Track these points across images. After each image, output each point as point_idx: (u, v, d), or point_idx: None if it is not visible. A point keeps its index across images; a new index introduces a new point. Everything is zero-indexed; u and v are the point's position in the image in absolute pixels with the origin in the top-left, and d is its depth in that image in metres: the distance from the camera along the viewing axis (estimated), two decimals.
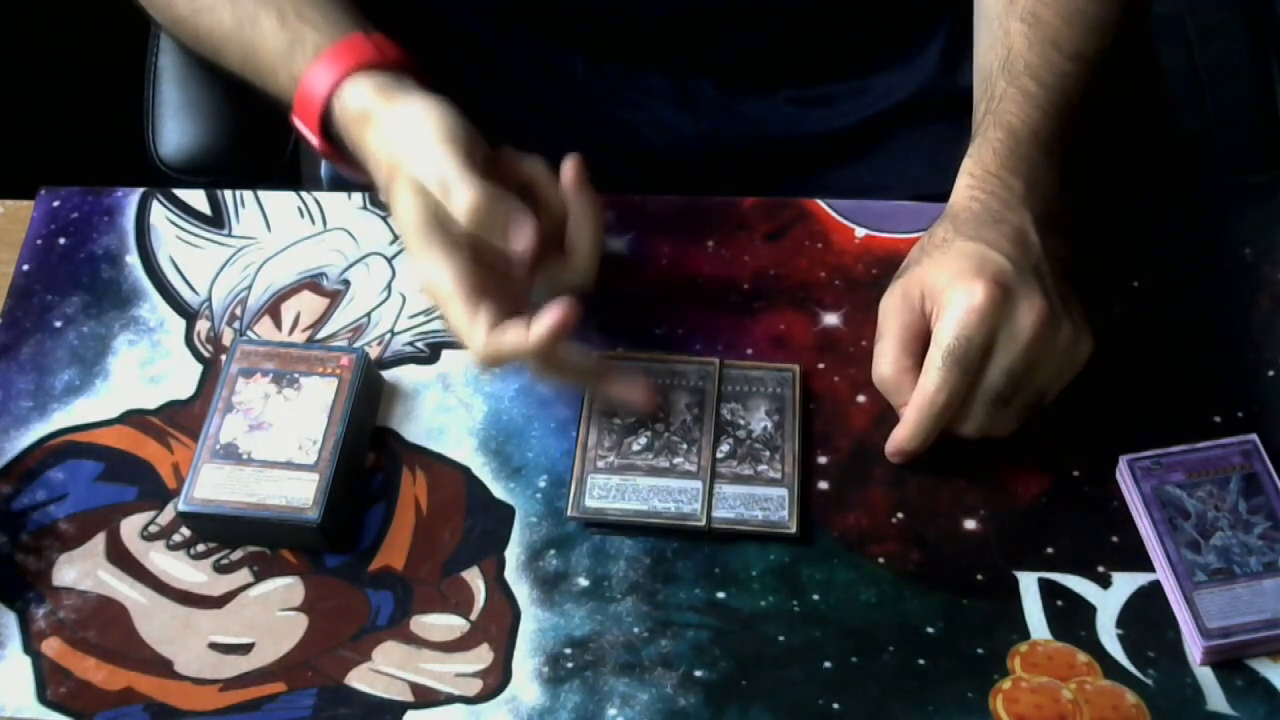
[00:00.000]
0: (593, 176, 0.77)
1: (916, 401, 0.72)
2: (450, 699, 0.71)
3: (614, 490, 0.76)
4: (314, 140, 0.79)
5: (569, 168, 0.76)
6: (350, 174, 0.82)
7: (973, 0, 0.86)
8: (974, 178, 0.76)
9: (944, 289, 0.72)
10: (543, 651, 0.72)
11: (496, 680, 0.71)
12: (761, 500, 0.75)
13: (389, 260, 0.85)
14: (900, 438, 0.74)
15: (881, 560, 0.74)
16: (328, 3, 0.81)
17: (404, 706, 0.70)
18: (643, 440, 0.77)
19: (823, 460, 0.77)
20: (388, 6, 0.85)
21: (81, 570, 0.75)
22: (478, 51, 0.97)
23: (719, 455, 0.76)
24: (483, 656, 0.72)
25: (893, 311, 0.75)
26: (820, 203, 0.87)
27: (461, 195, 0.72)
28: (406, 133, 0.74)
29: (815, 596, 0.73)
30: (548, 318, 0.71)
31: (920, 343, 0.74)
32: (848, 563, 0.74)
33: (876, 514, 0.76)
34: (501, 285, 0.74)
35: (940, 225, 0.76)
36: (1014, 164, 0.76)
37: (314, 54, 0.78)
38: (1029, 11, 0.80)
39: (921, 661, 0.71)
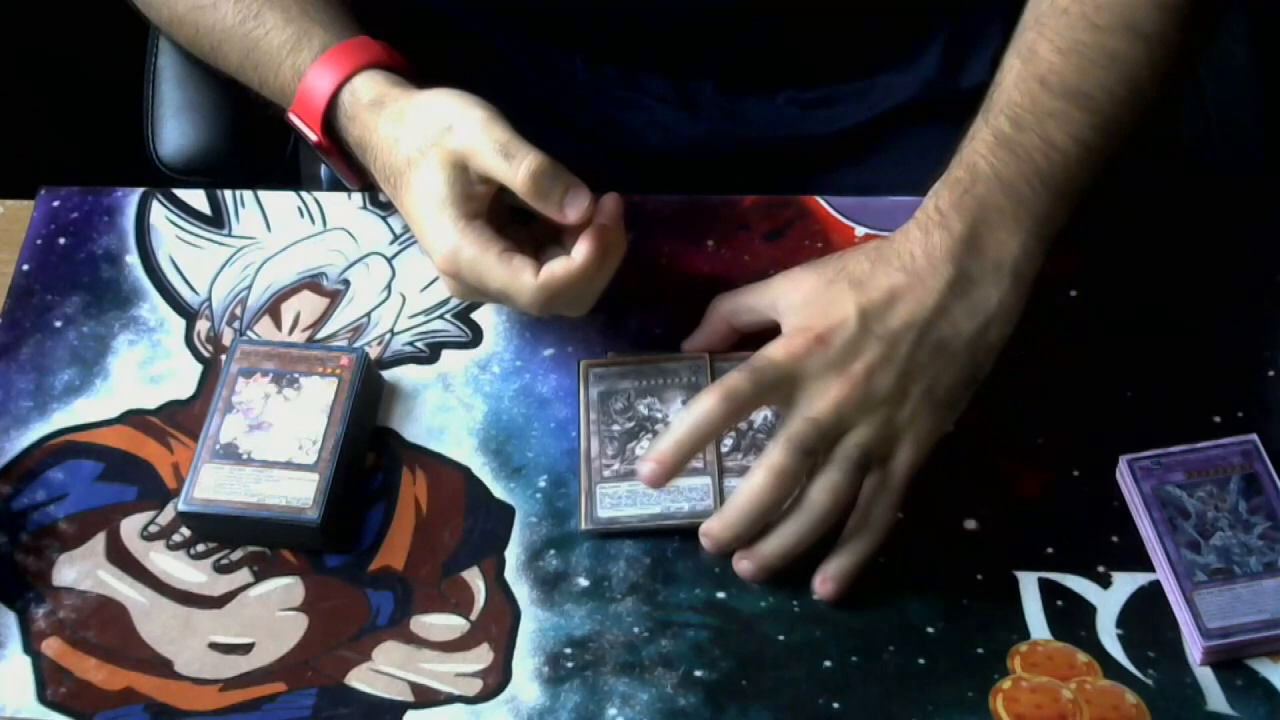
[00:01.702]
0: (593, 177, 0.77)
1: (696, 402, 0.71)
2: (450, 699, 0.71)
3: (624, 497, 0.75)
4: (311, 135, 0.80)
5: (611, 204, 0.75)
6: (343, 172, 0.83)
7: (974, 1, 0.86)
8: (923, 212, 0.74)
9: (788, 311, 0.73)
10: (543, 651, 0.72)
11: (496, 680, 0.71)
12: None
13: (389, 260, 0.85)
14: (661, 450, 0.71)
15: (881, 560, 0.74)
16: (334, 6, 0.82)
17: (404, 706, 0.70)
18: (645, 444, 0.77)
19: None
20: (387, 7, 0.86)
21: (81, 570, 0.75)
22: (478, 53, 0.97)
23: (723, 450, 0.76)
24: (483, 656, 0.72)
25: (772, 290, 0.75)
26: (820, 201, 0.87)
27: (527, 160, 0.72)
28: (448, 110, 0.74)
29: (815, 596, 0.73)
30: (586, 239, 0.72)
31: (745, 322, 0.76)
32: None
33: None
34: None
35: (865, 246, 0.74)
36: (966, 203, 0.72)
37: (321, 49, 0.79)
38: (1027, 46, 0.76)
39: (921, 661, 0.71)
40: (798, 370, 0.71)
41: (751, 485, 0.70)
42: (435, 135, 0.74)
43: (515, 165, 0.72)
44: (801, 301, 0.73)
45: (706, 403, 0.70)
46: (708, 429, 0.71)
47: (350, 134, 0.79)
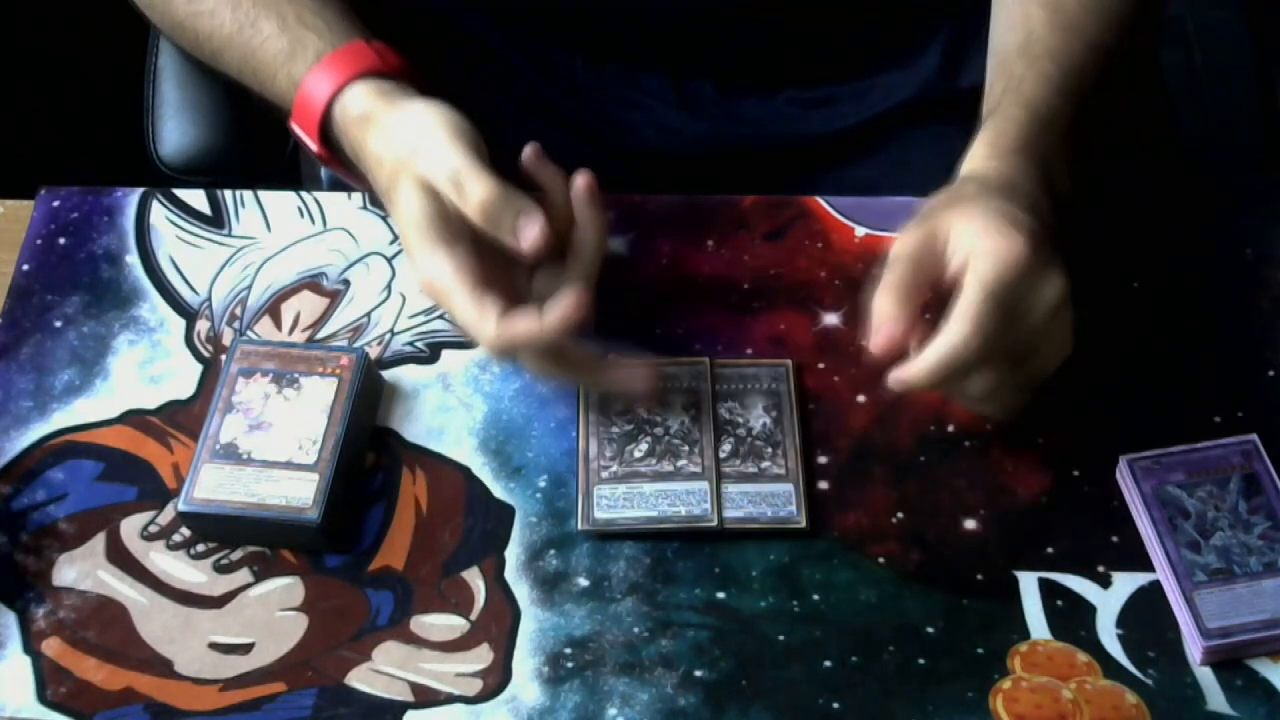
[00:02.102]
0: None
1: (949, 338, 0.68)
2: (450, 699, 0.71)
3: (621, 499, 0.75)
4: (312, 145, 0.80)
5: (581, 181, 0.76)
6: (347, 178, 0.83)
7: (974, 1, 0.86)
8: (993, 149, 0.75)
9: (980, 235, 0.69)
10: (543, 651, 0.72)
11: (496, 680, 0.71)
12: (769, 497, 0.75)
13: (389, 260, 0.85)
14: (917, 372, 0.69)
15: (881, 560, 0.74)
16: (329, 10, 0.81)
17: (404, 706, 0.70)
18: (644, 446, 0.77)
19: (823, 460, 0.77)
20: (389, 7, 0.85)
21: (81, 570, 0.75)
22: (478, 52, 0.97)
23: (721, 455, 0.76)
24: (483, 656, 0.72)
25: (912, 245, 0.71)
26: (820, 201, 0.87)
27: (475, 190, 0.71)
28: (414, 131, 0.74)
29: (815, 596, 0.73)
30: (562, 304, 0.71)
31: (930, 282, 0.71)
32: (848, 563, 0.74)
33: (876, 514, 0.76)
34: (503, 282, 0.74)
35: (964, 184, 0.74)
36: (1031, 144, 0.75)
37: (315, 59, 0.79)
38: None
39: (921, 661, 0.71)
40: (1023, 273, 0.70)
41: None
42: (405, 158, 0.74)
43: (465, 197, 0.71)
44: (980, 228, 0.71)
45: (961, 334, 0.69)
46: (971, 362, 0.69)
47: (345, 146, 0.78)
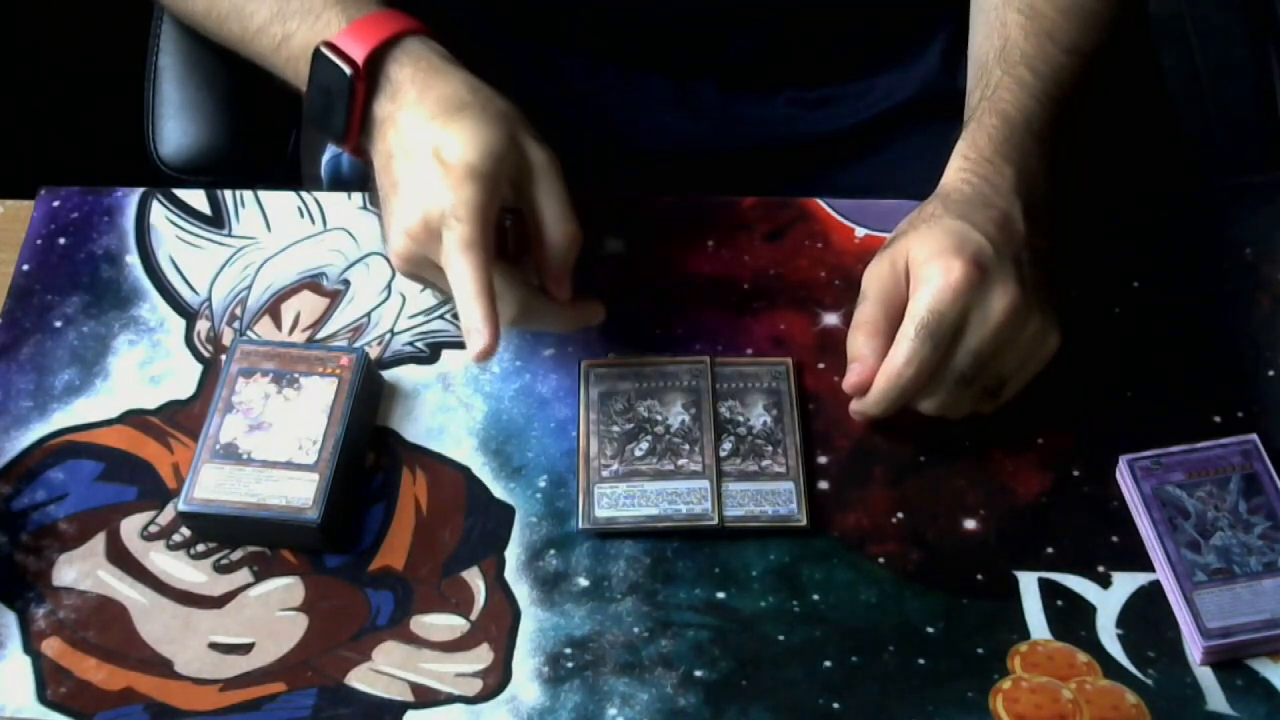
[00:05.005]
0: (593, 177, 0.77)
1: (885, 371, 0.73)
2: (450, 699, 0.71)
3: (622, 498, 0.75)
4: (354, 56, 0.74)
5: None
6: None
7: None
8: (968, 160, 0.77)
9: (923, 263, 0.73)
10: (543, 651, 0.72)
11: (496, 680, 0.71)
12: (769, 495, 0.75)
13: (389, 260, 0.85)
14: (865, 404, 0.75)
15: (881, 560, 0.74)
16: None
17: (404, 706, 0.70)
18: (644, 445, 0.77)
19: (823, 460, 0.77)
20: (387, 6, 0.85)
21: (81, 570, 0.75)
22: (478, 52, 0.96)
23: (721, 454, 0.76)
24: (483, 656, 0.72)
25: (876, 279, 0.75)
26: (820, 202, 0.87)
27: (572, 228, 0.74)
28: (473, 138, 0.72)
29: (815, 596, 0.73)
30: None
31: (898, 312, 0.74)
32: (848, 563, 0.74)
33: (876, 514, 0.76)
34: None
35: (930, 202, 0.76)
36: (1007, 151, 0.76)
37: (360, 14, 0.76)
38: (1026, 4, 0.80)
39: (921, 661, 0.71)
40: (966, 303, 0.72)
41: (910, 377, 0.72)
42: (518, 126, 0.74)
43: (567, 227, 0.73)
44: (926, 255, 0.73)
45: (904, 367, 0.72)
46: (909, 391, 0.73)
47: (403, 68, 0.75)
